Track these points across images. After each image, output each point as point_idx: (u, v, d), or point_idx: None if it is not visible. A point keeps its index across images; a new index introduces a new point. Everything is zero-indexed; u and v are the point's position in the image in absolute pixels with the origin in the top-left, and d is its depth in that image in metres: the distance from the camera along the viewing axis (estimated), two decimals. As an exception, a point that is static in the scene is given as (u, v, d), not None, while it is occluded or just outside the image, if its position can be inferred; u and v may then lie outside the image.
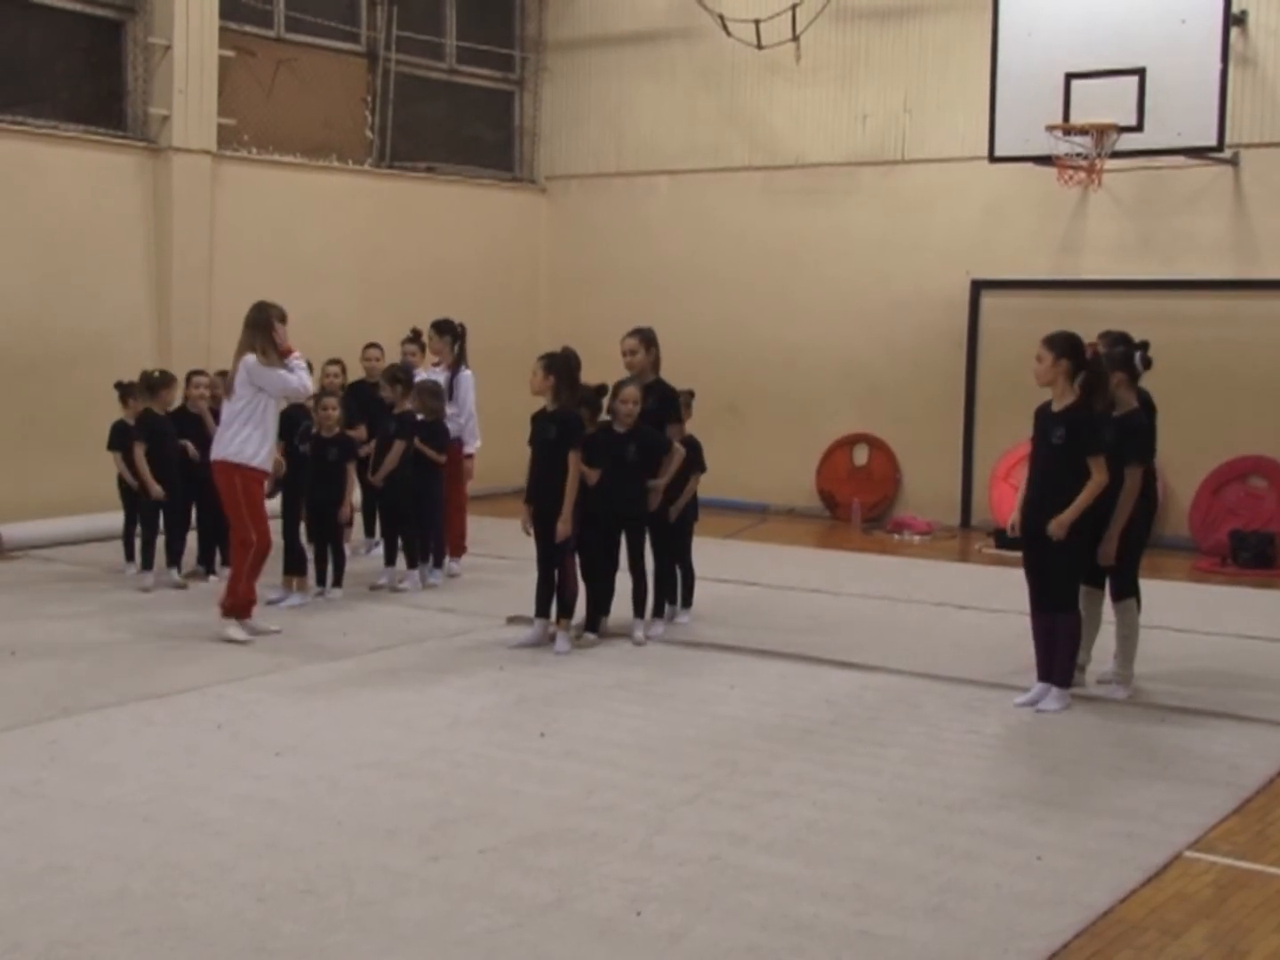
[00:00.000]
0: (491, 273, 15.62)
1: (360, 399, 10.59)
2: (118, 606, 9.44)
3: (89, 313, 12.53)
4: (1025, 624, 9.19)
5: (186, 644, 8.44)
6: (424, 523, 10.27)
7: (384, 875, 4.96)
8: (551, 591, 8.45)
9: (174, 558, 10.18)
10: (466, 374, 10.74)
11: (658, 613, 8.83)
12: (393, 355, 11.26)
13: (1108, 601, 7.58)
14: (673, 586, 9.09)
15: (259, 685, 7.48)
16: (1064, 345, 7.14)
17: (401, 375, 10.28)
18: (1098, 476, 7.03)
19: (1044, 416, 7.23)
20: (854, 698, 7.46)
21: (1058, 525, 7.02)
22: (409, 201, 14.92)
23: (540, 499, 8.35)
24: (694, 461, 9.07)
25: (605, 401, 8.75)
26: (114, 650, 8.23)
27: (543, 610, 8.48)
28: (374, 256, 14.50)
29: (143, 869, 4.96)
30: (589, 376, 9.18)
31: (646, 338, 9.03)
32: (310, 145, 14.22)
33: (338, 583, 9.83)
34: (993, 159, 12.50)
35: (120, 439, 10.21)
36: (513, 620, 9.02)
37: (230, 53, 13.34)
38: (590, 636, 8.54)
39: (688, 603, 9.19)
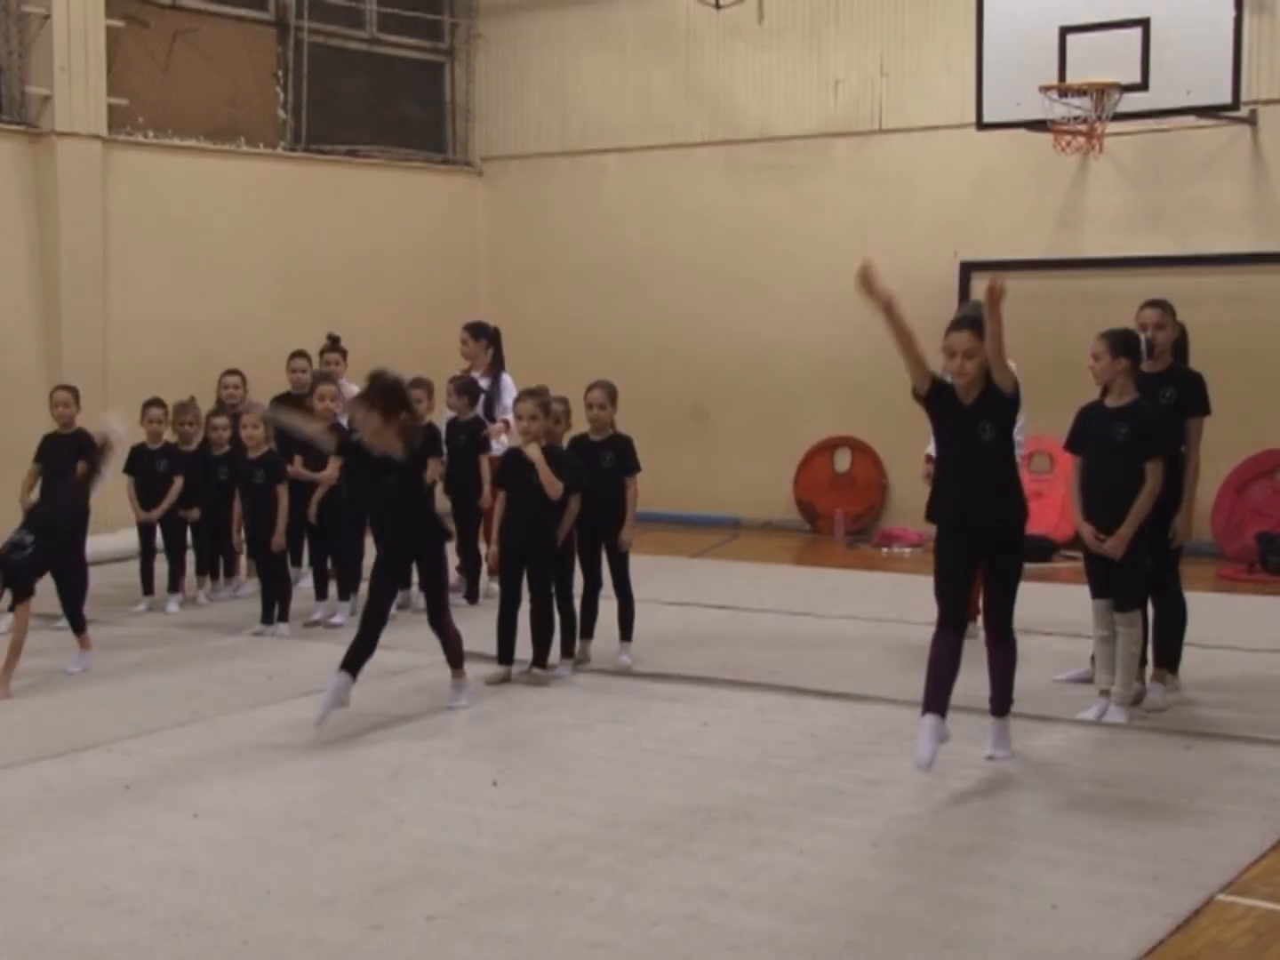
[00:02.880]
0: (424, 266, 15.61)
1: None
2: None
3: (-36, 322, 12.48)
4: (1030, 645, 9.26)
5: (86, 694, 8.38)
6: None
7: (320, 949, 4.94)
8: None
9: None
10: (506, 377, 11.16)
11: (567, 652, 8.87)
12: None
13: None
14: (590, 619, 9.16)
15: (172, 739, 7.43)
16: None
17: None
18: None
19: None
20: (842, 731, 7.48)
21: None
22: (329, 188, 14.90)
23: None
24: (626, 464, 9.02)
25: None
26: (2, 706, 8.17)
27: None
28: (291, 251, 14.47)
29: (42, 954, 4.92)
30: (535, 380, 9.18)
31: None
32: (214, 127, 14.18)
33: (283, 617, 9.91)
34: (980, 126, 12.58)
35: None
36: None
37: (119, 23, 13.30)
38: (538, 672, 8.58)
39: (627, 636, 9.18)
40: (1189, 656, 8.64)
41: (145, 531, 10.79)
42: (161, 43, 13.79)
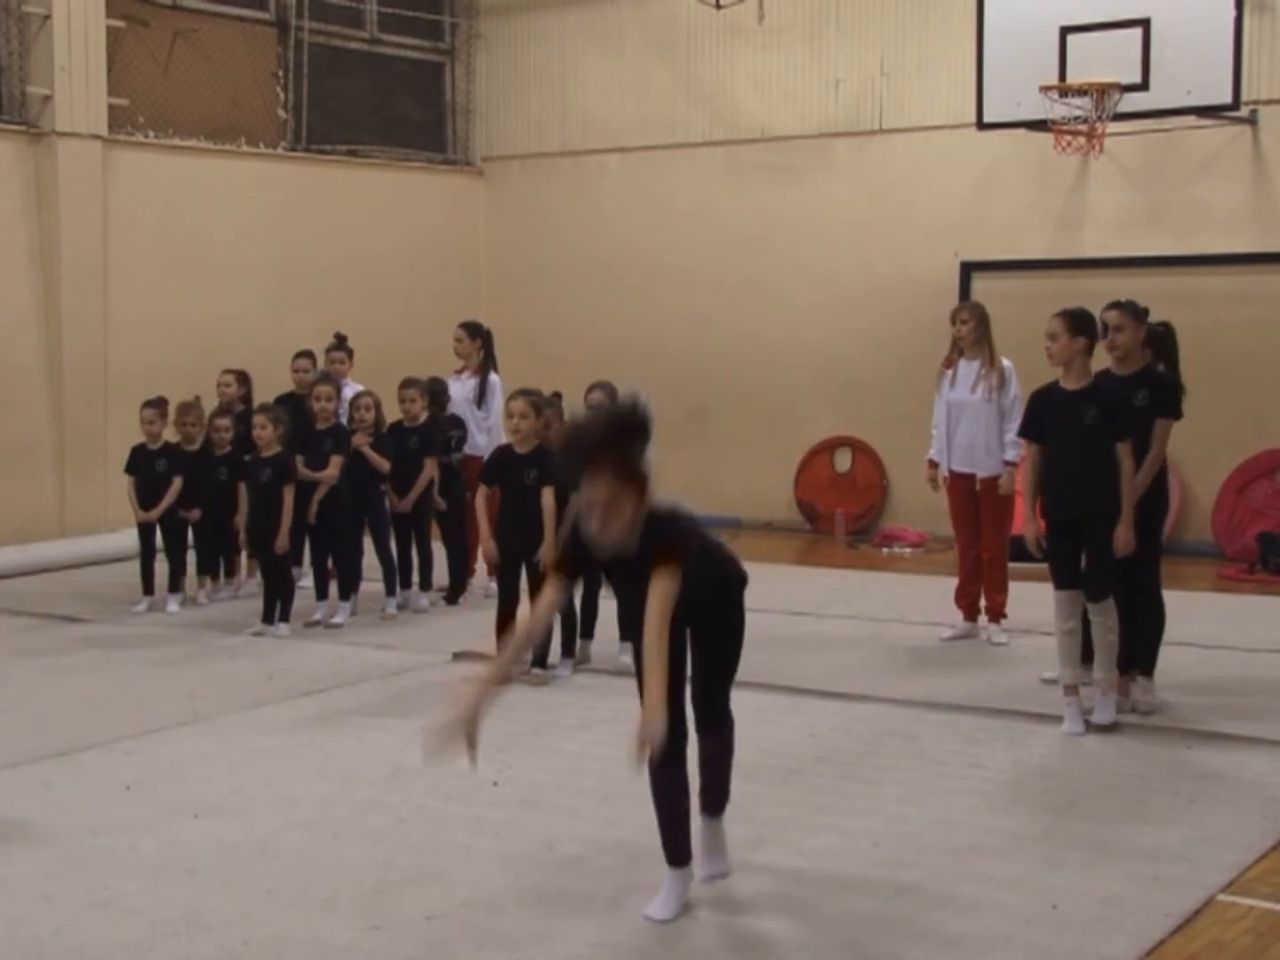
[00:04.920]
0: (424, 267, 15.60)
1: (291, 414, 10.57)
2: (8, 653, 9.38)
3: (-36, 322, 12.47)
4: (1031, 644, 9.27)
5: (86, 694, 8.38)
6: (382, 546, 10.50)
7: (321, 949, 4.93)
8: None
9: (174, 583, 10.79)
10: (494, 379, 11.14)
11: (567, 652, 8.90)
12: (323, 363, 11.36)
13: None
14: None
15: (173, 739, 7.43)
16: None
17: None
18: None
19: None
20: (842, 731, 7.48)
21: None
22: (329, 188, 14.89)
23: None
24: None
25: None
26: (2, 704, 8.17)
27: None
28: (291, 251, 14.46)
29: (42, 954, 4.91)
30: (536, 380, 9.19)
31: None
32: (215, 127, 14.17)
33: (284, 617, 9.90)
34: (981, 126, 12.58)
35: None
36: (459, 656, 9.02)
37: (120, 23, 13.29)
38: (538, 672, 8.59)
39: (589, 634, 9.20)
40: (1189, 656, 8.65)
41: (145, 531, 10.78)
42: (162, 43, 13.78)
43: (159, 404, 10.85)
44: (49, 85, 12.69)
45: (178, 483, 10.68)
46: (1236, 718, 7.61)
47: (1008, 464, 9.44)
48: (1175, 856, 5.71)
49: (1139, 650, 7.78)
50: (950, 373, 9.67)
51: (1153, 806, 6.31)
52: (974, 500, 9.58)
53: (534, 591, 8.57)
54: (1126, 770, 6.80)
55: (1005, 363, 9.55)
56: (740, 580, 5.46)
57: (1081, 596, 7.37)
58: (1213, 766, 6.86)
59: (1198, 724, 7.49)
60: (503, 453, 8.88)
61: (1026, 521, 7.58)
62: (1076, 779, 6.70)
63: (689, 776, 5.26)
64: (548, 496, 8.49)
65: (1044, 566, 7.64)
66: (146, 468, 10.76)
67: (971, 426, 9.50)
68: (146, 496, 10.72)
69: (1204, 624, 9.62)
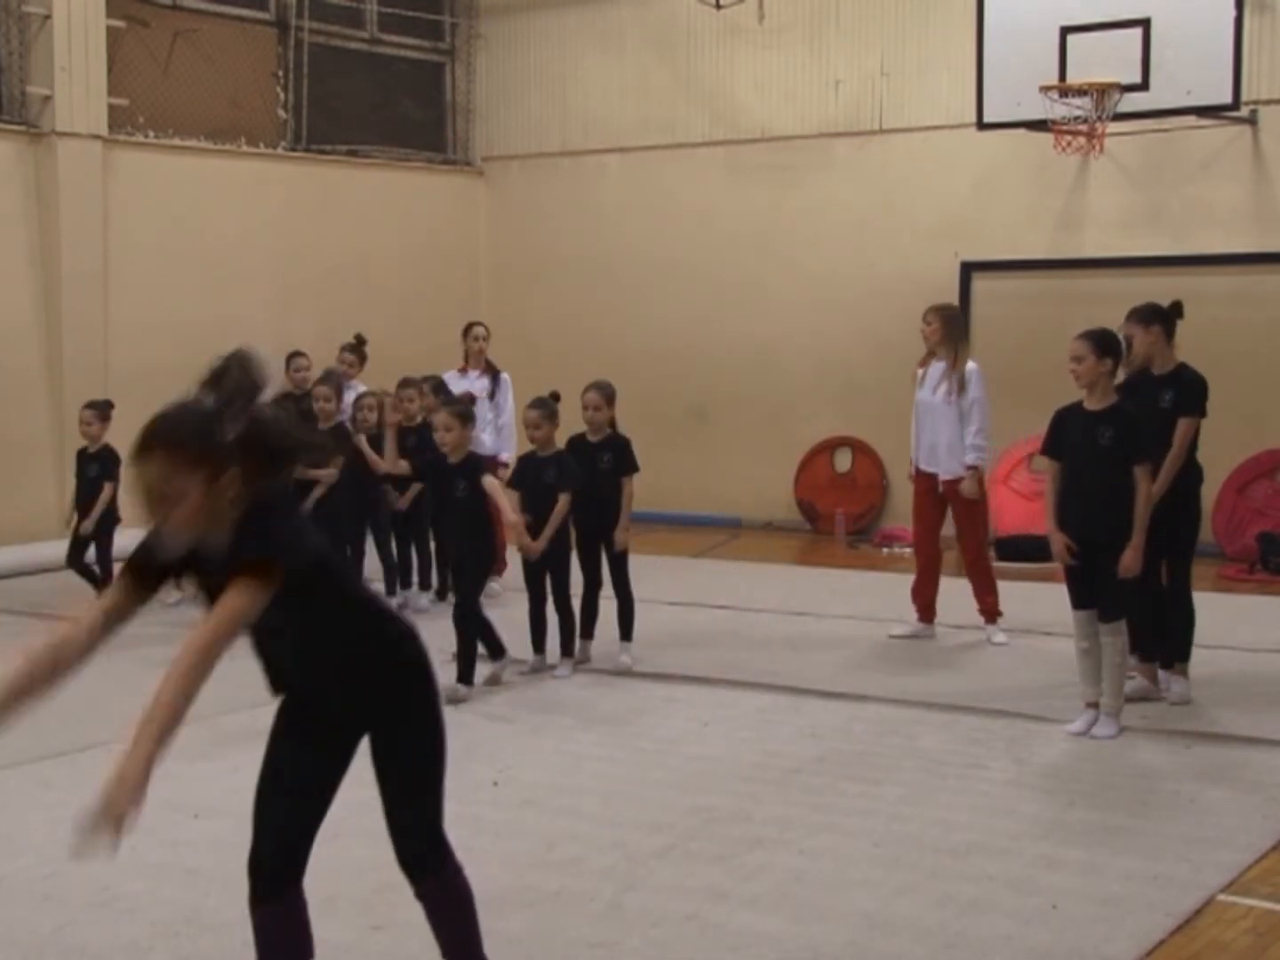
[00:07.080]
0: (424, 267, 15.60)
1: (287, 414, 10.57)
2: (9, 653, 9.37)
3: (-37, 324, 12.47)
4: (1029, 645, 9.28)
5: (86, 694, 8.36)
6: (383, 546, 10.57)
7: (321, 949, 4.92)
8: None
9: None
10: (505, 376, 11.21)
11: (567, 652, 8.90)
12: (325, 362, 11.37)
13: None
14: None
15: (173, 739, 7.42)
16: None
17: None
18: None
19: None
20: (842, 731, 7.48)
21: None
22: (329, 188, 14.89)
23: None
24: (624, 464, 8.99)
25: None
26: (5, 704, 8.17)
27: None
28: (291, 251, 14.46)
29: (42, 954, 4.91)
30: (536, 379, 9.17)
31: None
32: (215, 127, 14.17)
33: None
34: (981, 126, 12.57)
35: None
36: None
37: (120, 23, 13.28)
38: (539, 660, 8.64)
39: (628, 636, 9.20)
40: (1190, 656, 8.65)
41: (74, 541, 10.31)
42: (162, 43, 13.78)
43: (99, 405, 10.37)
44: (49, 85, 12.68)
45: (109, 489, 10.14)
46: (1236, 717, 7.61)
47: (969, 467, 9.45)
48: (1175, 856, 5.71)
49: (1170, 642, 7.89)
50: (922, 372, 9.71)
51: (1153, 806, 6.32)
52: (935, 499, 9.65)
53: (530, 595, 8.61)
54: (1126, 770, 6.80)
55: (970, 365, 9.55)
56: (410, 652, 4.00)
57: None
58: (1213, 766, 6.86)
59: (1198, 724, 7.50)
60: (525, 460, 8.89)
61: (1050, 535, 7.49)
62: (1077, 779, 6.71)
63: (306, 916, 4.18)
64: (562, 502, 8.54)
65: (1043, 566, 7.64)
66: (81, 472, 10.33)
67: (935, 427, 9.56)
68: (80, 501, 10.29)
69: (1204, 624, 9.54)
